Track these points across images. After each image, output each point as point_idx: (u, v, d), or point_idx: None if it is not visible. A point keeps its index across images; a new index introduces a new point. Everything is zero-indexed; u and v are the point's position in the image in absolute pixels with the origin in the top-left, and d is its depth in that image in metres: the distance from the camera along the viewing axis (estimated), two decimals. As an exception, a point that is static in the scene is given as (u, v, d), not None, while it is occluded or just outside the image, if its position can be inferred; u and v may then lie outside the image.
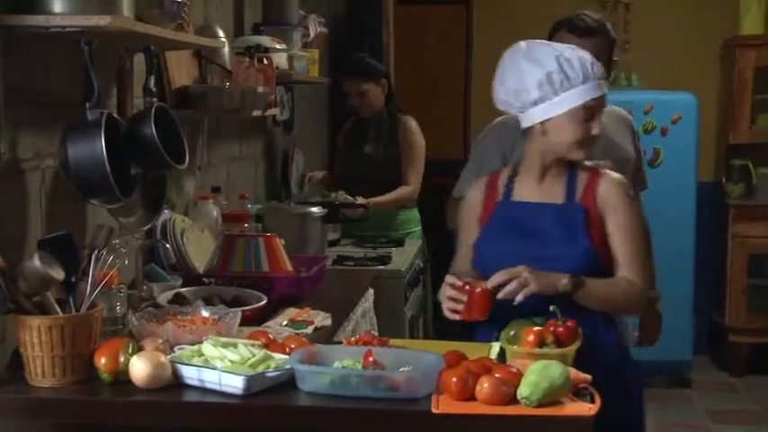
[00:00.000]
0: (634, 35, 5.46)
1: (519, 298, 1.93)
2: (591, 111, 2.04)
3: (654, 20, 5.42)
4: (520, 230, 2.09)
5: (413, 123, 4.08)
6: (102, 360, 1.78)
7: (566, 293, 1.98)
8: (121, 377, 1.77)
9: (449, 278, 2.01)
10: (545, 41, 2.13)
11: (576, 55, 2.04)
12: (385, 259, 3.58)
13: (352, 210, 3.76)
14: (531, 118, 2.07)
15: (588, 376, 1.76)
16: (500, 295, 1.94)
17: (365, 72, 4.09)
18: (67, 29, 1.89)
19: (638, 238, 2.11)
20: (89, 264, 1.89)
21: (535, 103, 2.05)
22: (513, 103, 2.09)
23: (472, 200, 2.21)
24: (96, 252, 1.92)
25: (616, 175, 2.15)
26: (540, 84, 2.02)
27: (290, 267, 2.66)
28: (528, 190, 2.13)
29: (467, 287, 1.97)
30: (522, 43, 2.09)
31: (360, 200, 3.80)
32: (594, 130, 2.06)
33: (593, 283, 2.01)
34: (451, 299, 1.98)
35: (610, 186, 2.10)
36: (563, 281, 1.98)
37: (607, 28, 2.47)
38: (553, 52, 2.04)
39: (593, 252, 2.05)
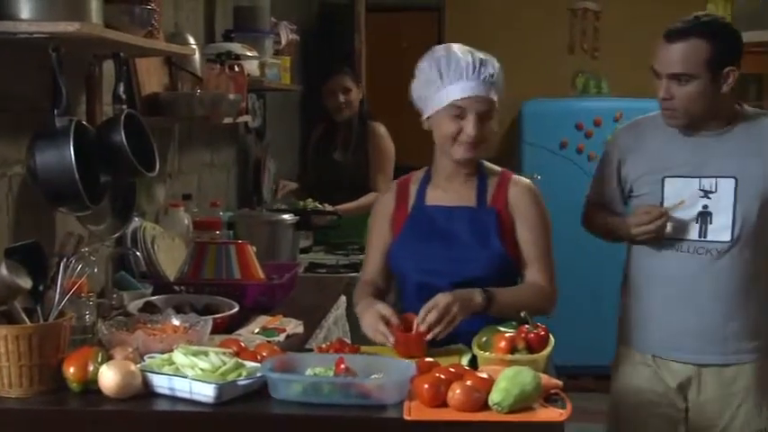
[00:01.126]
0: (604, 43, 5.52)
1: (444, 333, 1.97)
2: (462, 110, 2.08)
3: (623, 28, 5.47)
4: (434, 233, 2.15)
5: (382, 129, 4.08)
6: (71, 369, 1.76)
7: (481, 310, 2.02)
8: (91, 386, 1.75)
9: (385, 312, 2.02)
10: (462, 46, 2.14)
11: (460, 56, 2.08)
12: (357, 266, 3.57)
13: (323, 216, 3.76)
14: (424, 114, 2.16)
15: (559, 382, 1.77)
16: (429, 337, 1.96)
17: (351, 72, 4.12)
18: (35, 35, 1.87)
19: (546, 241, 2.18)
20: (57, 272, 1.87)
21: (422, 102, 2.14)
22: (417, 105, 2.18)
23: (384, 202, 2.26)
24: (65, 260, 1.90)
25: (525, 179, 2.22)
26: (422, 83, 2.13)
27: (261, 275, 2.65)
28: (440, 194, 2.19)
29: (401, 327, 1.99)
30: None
31: (328, 207, 3.80)
32: (468, 130, 2.08)
33: (502, 295, 2.06)
34: (383, 334, 2.00)
35: (519, 190, 2.18)
36: (477, 300, 2.02)
37: (704, 30, 2.15)
38: (442, 52, 2.11)
39: (503, 254, 2.12)
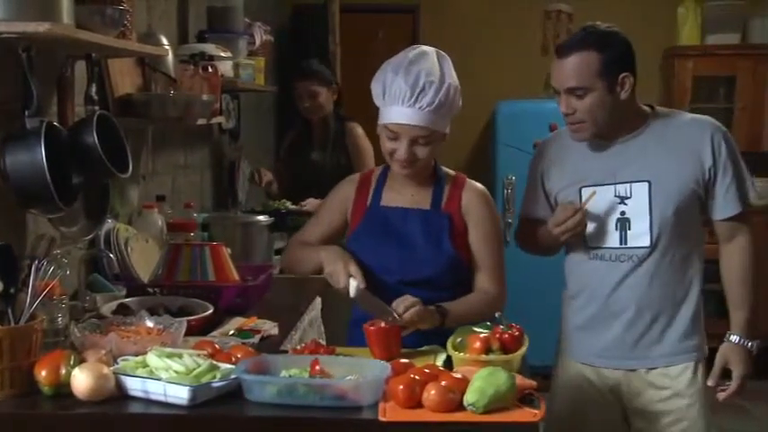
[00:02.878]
0: (577, 45, 5.56)
1: (410, 327, 2.02)
2: (394, 133, 2.11)
3: (596, 30, 5.51)
4: (388, 233, 2.19)
5: (359, 129, 4.09)
6: (43, 373, 1.74)
7: (438, 324, 2.07)
8: (63, 390, 1.73)
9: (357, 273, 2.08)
10: (416, 61, 2.09)
11: (401, 80, 2.07)
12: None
13: (301, 217, 3.75)
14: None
15: (533, 382, 1.78)
16: (406, 316, 2.00)
17: (318, 75, 4.10)
18: (5, 35, 1.85)
19: (498, 247, 2.23)
20: (29, 274, 1.86)
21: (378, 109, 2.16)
22: None
23: (346, 189, 2.30)
24: (36, 262, 1.88)
25: (478, 185, 2.25)
26: (374, 94, 2.15)
27: (236, 276, 2.64)
28: (396, 195, 2.23)
29: (373, 327, 2.00)
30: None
31: (311, 201, 3.78)
32: (399, 153, 2.11)
33: (455, 309, 2.11)
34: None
35: (472, 196, 2.22)
36: (436, 317, 2.07)
37: (592, 41, 2.15)
38: (389, 70, 2.10)
39: (455, 258, 2.16)
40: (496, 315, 1.98)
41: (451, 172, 2.26)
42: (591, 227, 2.23)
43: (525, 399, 1.73)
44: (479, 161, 5.47)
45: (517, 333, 1.93)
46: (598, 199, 2.21)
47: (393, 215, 2.21)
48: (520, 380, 1.74)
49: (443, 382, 1.67)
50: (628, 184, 2.20)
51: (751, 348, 2.22)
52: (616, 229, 2.22)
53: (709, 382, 2.22)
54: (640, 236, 2.20)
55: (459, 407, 1.65)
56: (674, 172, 2.18)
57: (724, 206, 2.21)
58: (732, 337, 2.22)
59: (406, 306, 2.01)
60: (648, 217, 2.19)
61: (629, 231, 2.21)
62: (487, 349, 1.87)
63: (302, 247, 2.32)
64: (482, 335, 1.91)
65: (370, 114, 2.17)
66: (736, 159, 2.21)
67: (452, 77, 2.11)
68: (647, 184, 2.18)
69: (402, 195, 2.22)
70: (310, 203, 3.78)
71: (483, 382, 1.65)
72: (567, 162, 2.29)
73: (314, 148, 4.11)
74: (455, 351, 1.91)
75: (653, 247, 2.20)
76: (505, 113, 5.22)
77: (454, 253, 2.16)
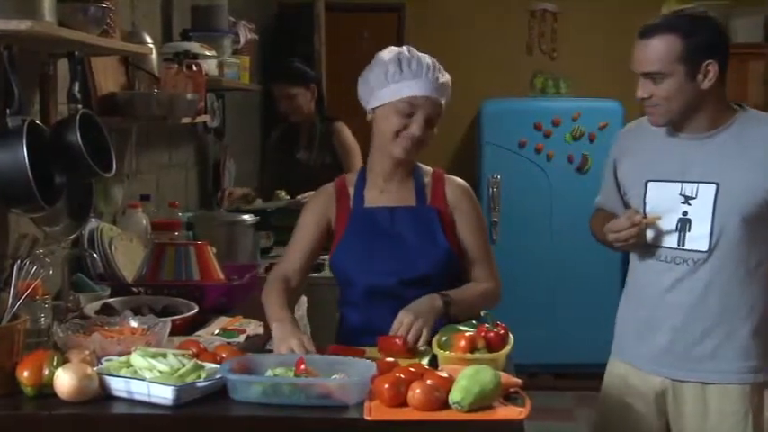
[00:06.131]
0: (562, 44, 5.57)
1: (423, 341, 1.99)
2: (413, 107, 2.10)
3: (581, 29, 5.53)
4: (377, 234, 2.17)
5: (346, 129, 4.08)
6: (25, 373, 1.73)
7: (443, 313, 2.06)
8: (46, 390, 1.73)
9: (309, 347, 1.94)
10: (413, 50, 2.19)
11: (420, 56, 2.13)
12: (318, 266, 3.56)
13: (284, 215, 3.74)
14: (369, 107, 2.17)
15: (519, 380, 1.78)
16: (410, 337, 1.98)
17: (293, 77, 4.09)
18: (-14, 33, 1.84)
19: (486, 239, 2.26)
20: (11, 274, 1.85)
21: (371, 93, 2.14)
22: (362, 96, 2.19)
23: (324, 200, 2.25)
24: (19, 262, 1.87)
25: (459, 179, 2.25)
26: (377, 75, 2.13)
27: (221, 276, 2.64)
28: (378, 194, 2.21)
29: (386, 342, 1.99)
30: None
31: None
32: (413, 129, 2.10)
33: (458, 297, 2.10)
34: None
35: (456, 190, 2.22)
36: (438, 304, 2.05)
37: (676, 25, 2.03)
38: (405, 50, 2.15)
39: (450, 251, 2.16)
40: (482, 313, 1.98)
41: (429, 168, 2.26)
42: (650, 227, 2.13)
43: (510, 397, 1.73)
44: (464, 160, 5.48)
45: (502, 331, 1.93)
46: (662, 194, 2.12)
47: (380, 215, 2.18)
48: (505, 378, 1.74)
49: (429, 381, 1.68)
50: (695, 184, 2.08)
51: None
52: (676, 229, 2.10)
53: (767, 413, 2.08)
54: (699, 239, 2.08)
55: (445, 405, 1.65)
56: (745, 177, 2.04)
57: None
58: None
59: (414, 335, 1.98)
60: (711, 220, 2.06)
61: (688, 233, 2.09)
62: (473, 348, 1.88)
63: (274, 292, 2.15)
64: (467, 333, 1.91)
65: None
66: None
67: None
68: (714, 186, 2.06)
69: (385, 194, 2.20)
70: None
71: (468, 381, 1.65)
72: (639, 152, 2.21)
73: (299, 147, 4.10)
74: (440, 349, 1.91)
75: (710, 252, 2.07)
76: (491, 112, 5.23)
77: (448, 246, 2.15)
